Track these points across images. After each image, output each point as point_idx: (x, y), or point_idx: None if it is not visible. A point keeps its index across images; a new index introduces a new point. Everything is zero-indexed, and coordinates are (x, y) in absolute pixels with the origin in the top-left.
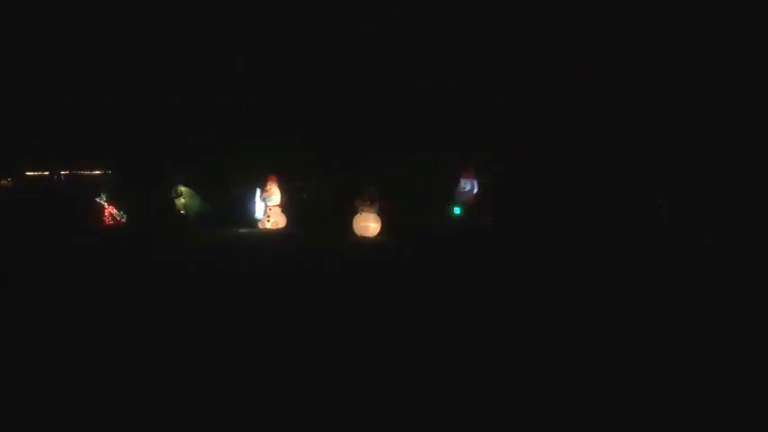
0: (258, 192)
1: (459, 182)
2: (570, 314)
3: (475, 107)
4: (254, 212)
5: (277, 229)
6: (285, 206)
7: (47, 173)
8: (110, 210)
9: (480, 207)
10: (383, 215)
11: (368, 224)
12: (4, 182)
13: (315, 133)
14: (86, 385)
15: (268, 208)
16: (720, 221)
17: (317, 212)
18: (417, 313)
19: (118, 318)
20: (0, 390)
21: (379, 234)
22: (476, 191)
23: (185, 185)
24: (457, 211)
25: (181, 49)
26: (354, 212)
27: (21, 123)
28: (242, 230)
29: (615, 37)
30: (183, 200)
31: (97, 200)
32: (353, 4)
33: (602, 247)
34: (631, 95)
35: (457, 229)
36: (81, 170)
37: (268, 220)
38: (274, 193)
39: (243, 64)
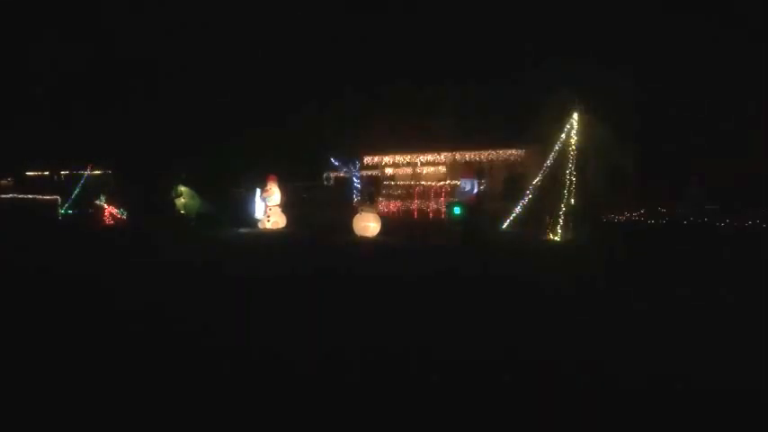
0: (258, 192)
1: (459, 182)
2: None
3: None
4: (254, 212)
5: (277, 228)
6: (285, 206)
7: (47, 173)
8: (110, 210)
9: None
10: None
11: (368, 224)
12: (4, 182)
13: (316, 133)
14: (82, 387)
15: (268, 208)
16: None
17: (317, 212)
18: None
19: (117, 319)
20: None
21: (379, 234)
22: (476, 191)
23: (185, 185)
24: (457, 211)
25: (181, 50)
26: (354, 212)
27: (21, 124)
28: (242, 230)
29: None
30: (183, 200)
31: (97, 202)
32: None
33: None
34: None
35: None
36: (81, 170)
37: (268, 220)
38: (274, 193)
39: (244, 64)
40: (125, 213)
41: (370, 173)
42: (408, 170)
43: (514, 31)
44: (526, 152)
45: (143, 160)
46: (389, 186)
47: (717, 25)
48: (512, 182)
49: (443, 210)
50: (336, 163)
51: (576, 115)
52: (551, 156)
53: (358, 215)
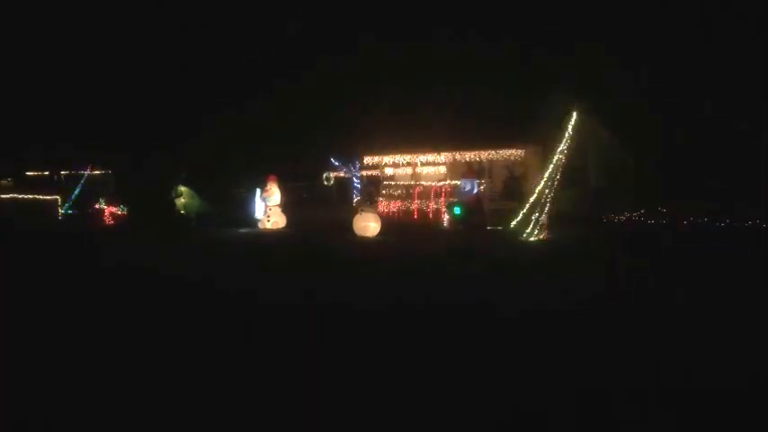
0: (258, 192)
1: (459, 182)
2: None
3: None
4: (254, 212)
5: (277, 228)
6: (285, 206)
7: (47, 173)
8: (110, 210)
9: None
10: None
11: (368, 224)
12: (4, 182)
13: (316, 133)
14: (82, 386)
15: (268, 208)
16: None
17: (317, 212)
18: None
19: (117, 320)
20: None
21: (379, 234)
22: (476, 191)
23: (185, 185)
24: (457, 211)
25: (181, 50)
26: (354, 212)
27: (22, 124)
28: (242, 230)
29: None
30: (183, 200)
31: (96, 206)
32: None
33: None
34: None
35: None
36: (81, 170)
37: (268, 220)
38: (274, 193)
39: (243, 63)
40: (125, 210)
41: (370, 173)
42: (408, 170)
43: (514, 30)
44: (526, 152)
45: (143, 160)
46: (389, 186)
47: (716, 24)
48: (512, 181)
49: (443, 210)
50: (336, 163)
51: (575, 114)
52: (553, 156)
53: (358, 215)
